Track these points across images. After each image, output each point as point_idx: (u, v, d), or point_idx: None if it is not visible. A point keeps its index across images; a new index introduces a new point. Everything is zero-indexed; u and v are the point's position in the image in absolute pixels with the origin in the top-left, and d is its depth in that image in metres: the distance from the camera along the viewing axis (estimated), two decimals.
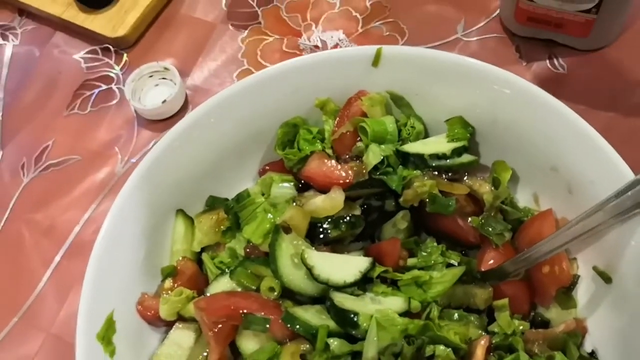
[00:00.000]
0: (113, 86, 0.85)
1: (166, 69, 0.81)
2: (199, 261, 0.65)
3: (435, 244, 0.61)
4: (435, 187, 0.60)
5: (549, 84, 0.75)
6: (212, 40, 0.85)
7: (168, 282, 0.62)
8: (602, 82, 0.75)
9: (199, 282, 0.63)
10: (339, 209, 0.59)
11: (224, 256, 0.64)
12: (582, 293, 0.59)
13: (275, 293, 0.57)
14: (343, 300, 0.55)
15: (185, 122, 0.63)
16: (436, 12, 0.83)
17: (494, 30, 0.80)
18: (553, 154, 0.60)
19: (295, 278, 0.57)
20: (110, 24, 0.86)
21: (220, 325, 0.57)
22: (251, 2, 0.87)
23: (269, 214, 0.61)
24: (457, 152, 0.62)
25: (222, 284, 0.61)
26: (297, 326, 0.54)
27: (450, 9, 0.83)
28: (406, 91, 0.65)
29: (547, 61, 0.77)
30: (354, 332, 0.54)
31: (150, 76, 0.82)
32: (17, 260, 0.76)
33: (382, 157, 0.62)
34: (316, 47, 0.83)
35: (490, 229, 0.60)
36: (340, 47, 0.82)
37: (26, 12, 0.92)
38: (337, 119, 0.66)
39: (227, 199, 0.67)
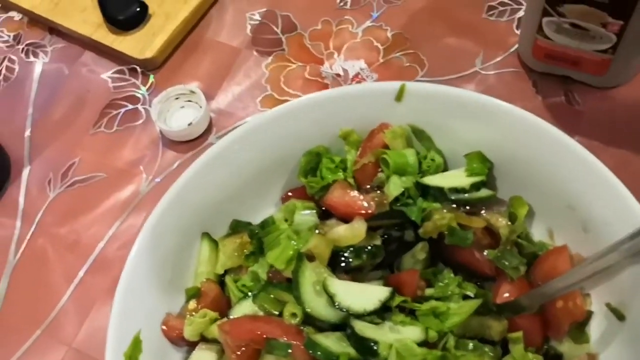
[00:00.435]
0: (139, 106, 0.87)
1: (192, 92, 0.83)
2: (221, 283, 0.67)
3: (452, 275, 0.62)
4: (454, 220, 0.61)
5: (565, 119, 0.77)
6: (236, 65, 0.88)
7: (192, 304, 0.64)
8: (618, 119, 0.77)
9: (222, 304, 0.65)
10: (361, 238, 0.61)
11: (246, 279, 0.66)
12: (594, 328, 0.60)
13: (298, 319, 0.59)
14: (364, 328, 0.57)
15: (214, 150, 0.66)
16: (456, 45, 0.85)
17: (512, 64, 0.82)
18: (569, 193, 0.61)
19: (317, 305, 0.58)
20: (138, 45, 0.88)
21: (243, 349, 0.58)
22: (275, 29, 0.90)
23: (292, 241, 0.62)
24: (475, 186, 0.64)
25: (244, 307, 0.63)
26: (319, 352, 0.56)
27: (469, 42, 0.84)
28: (427, 125, 0.67)
29: (563, 97, 0.79)
30: None
31: (177, 98, 0.84)
32: (41, 273, 0.78)
33: (403, 189, 0.63)
34: (338, 75, 0.85)
35: (506, 263, 0.61)
36: (361, 75, 0.84)
37: (56, 31, 0.94)
38: (360, 149, 0.68)
39: (250, 223, 0.69)
